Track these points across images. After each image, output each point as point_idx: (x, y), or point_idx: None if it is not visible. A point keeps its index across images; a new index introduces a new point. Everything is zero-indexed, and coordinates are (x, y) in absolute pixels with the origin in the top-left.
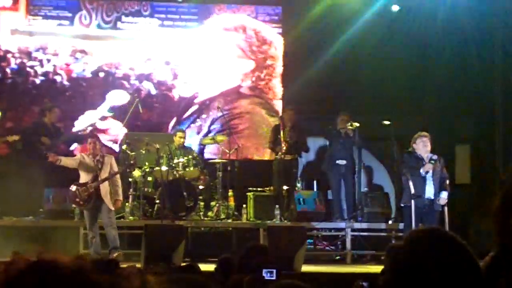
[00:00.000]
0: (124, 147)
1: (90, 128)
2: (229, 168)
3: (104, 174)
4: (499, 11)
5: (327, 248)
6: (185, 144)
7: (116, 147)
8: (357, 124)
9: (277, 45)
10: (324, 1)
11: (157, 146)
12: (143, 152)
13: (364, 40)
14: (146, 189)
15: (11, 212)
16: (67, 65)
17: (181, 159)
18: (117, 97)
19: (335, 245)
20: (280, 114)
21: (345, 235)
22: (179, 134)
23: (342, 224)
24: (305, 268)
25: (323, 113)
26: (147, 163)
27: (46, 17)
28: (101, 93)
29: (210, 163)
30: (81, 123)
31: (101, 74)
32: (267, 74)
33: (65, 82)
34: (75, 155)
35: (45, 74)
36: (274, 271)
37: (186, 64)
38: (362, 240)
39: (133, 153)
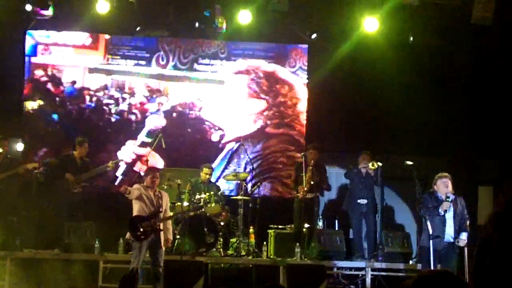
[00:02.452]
0: None
1: (133, 157)
2: (250, 205)
3: (163, 210)
4: None
5: (347, 287)
6: (211, 180)
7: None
8: (380, 164)
9: (297, 85)
10: (349, 42)
11: (179, 181)
12: (165, 187)
13: (386, 81)
14: None
15: (31, 244)
16: (142, 104)
17: (203, 195)
18: (154, 121)
19: (355, 284)
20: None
21: (365, 275)
22: (205, 170)
23: (362, 263)
24: None
25: (345, 151)
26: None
27: (124, 56)
28: (174, 133)
29: (232, 200)
30: (124, 153)
31: (174, 115)
32: (289, 114)
33: (140, 121)
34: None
35: (120, 113)
36: None
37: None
38: (382, 279)
39: None
